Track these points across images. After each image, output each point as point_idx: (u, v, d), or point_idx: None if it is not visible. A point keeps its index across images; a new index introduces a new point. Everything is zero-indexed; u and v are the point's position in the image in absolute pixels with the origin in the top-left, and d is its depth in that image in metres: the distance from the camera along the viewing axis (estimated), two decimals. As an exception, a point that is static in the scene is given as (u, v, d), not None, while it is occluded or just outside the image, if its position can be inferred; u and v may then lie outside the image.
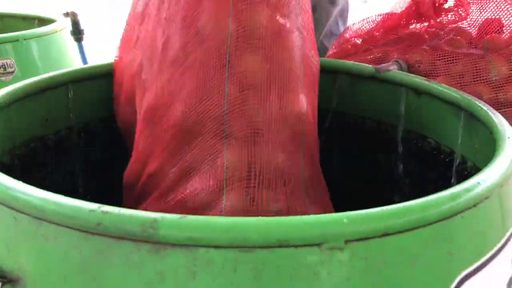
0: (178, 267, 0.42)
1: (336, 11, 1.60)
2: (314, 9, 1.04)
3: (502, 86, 0.97)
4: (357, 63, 0.99)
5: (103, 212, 0.42)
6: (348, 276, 0.43)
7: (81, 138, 0.91)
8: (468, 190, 0.49)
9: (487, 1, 1.04)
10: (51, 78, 0.85)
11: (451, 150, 0.85)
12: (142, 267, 0.42)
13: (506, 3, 1.01)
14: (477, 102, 0.76)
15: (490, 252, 0.53)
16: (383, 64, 0.98)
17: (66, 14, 1.64)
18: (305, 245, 0.42)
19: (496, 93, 0.97)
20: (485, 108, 0.73)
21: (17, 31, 1.38)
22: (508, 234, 0.57)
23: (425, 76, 0.94)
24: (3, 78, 1.24)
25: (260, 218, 0.43)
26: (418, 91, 0.90)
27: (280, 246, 0.42)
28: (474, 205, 0.50)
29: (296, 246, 0.42)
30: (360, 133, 0.99)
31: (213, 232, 0.42)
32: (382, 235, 0.43)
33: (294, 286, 0.42)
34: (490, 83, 0.97)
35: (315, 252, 0.42)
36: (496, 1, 1.03)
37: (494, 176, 0.54)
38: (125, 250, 0.42)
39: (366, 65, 0.98)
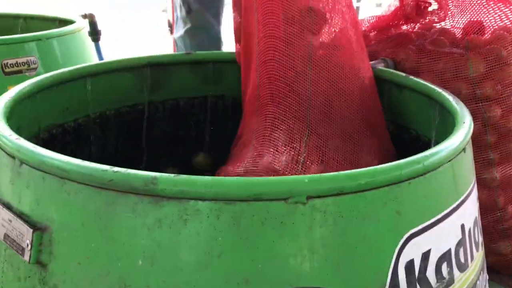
0: (173, 215, 0.52)
1: None
2: None
3: (479, 83, 1.06)
4: (348, 60, 1.08)
5: (114, 171, 0.53)
6: (309, 225, 0.53)
7: (97, 125, 1.01)
8: (415, 161, 0.59)
9: (468, 5, 1.12)
10: (71, 71, 0.96)
11: (429, 138, 0.94)
12: (144, 215, 0.53)
13: (484, 8, 1.09)
14: (445, 94, 0.85)
15: (439, 214, 0.62)
16: (371, 62, 1.08)
17: (84, 16, 1.75)
18: (274, 199, 0.52)
19: (473, 89, 1.06)
20: (450, 98, 0.82)
21: (40, 31, 1.48)
22: (459, 200, 0.65)
23: (410, 73, 1.02)
24: (27, 74, 1.35)
25: (238, 177, 0.53)
26: (400, 86, 0.99)
27: (254, 200, 0.52)
28: (422, 174, 0.59)
29: (267, 200, 0.52)
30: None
31: (200, 187, 0.52)
32: (337, 194, 0.53)
33: (265, 232, 0.52)
34: (468, 80, 1.06)
35: (282, 205, 0.52)
36: (477, 4, 1.12)
37: (444, 152, 0.63)
38: (131, 202, 0.53)
39: (356, 62, 1.06)
